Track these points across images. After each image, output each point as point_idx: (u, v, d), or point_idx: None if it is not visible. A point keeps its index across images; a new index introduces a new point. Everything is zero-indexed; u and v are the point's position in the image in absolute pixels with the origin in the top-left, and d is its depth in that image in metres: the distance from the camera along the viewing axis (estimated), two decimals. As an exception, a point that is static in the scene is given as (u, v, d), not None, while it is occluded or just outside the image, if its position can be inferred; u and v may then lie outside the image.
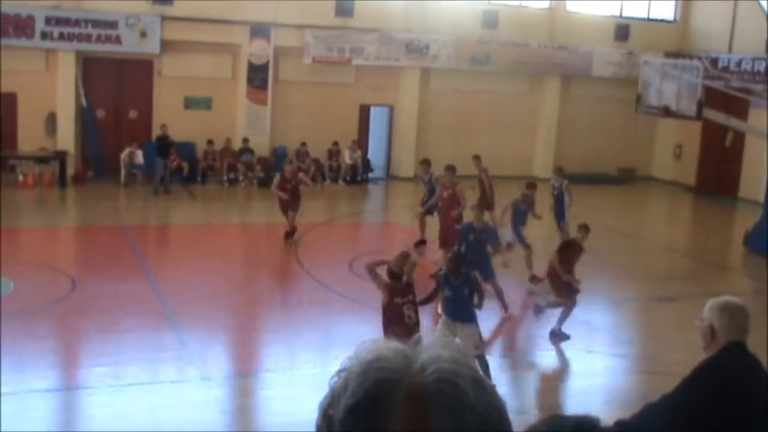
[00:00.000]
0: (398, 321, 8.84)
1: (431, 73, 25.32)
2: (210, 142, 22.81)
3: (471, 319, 9.64)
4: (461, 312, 9.66)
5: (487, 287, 11.77)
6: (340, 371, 1.32)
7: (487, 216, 14.80)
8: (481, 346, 9.60)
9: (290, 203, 16.37)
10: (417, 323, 8.97)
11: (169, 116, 22.11)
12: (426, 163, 17.11)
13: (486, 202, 16.17)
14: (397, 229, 18.85)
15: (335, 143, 24.03)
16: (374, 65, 24.29)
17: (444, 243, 14.29)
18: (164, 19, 21.79)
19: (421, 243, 16.16)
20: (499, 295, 12.71)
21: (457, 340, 9.10)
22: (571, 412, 1.42)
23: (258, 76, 23.28)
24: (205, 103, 23.39)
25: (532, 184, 14.74)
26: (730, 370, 4.07)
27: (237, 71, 23.42)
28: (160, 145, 20.92)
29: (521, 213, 14.55)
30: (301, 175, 17.33)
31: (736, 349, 4.09)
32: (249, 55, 23.08)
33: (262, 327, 12.24)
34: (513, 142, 26.23)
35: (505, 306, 12.74)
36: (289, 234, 16.32)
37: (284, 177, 16.65)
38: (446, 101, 25.53)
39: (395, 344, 1.37)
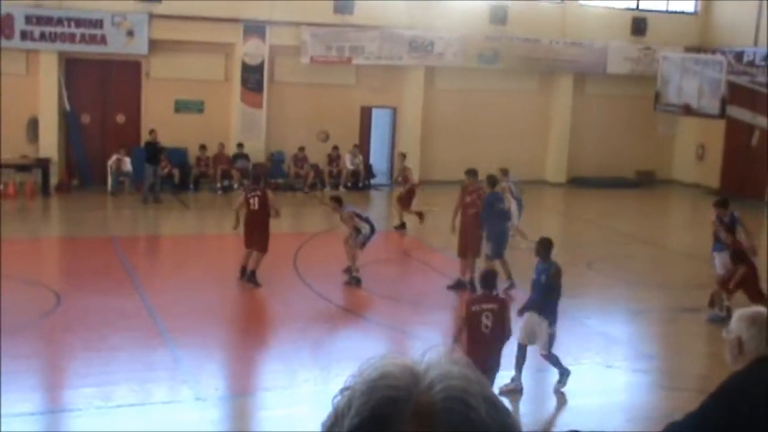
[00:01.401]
0: (474, 330, 9.05)
1: (436, 72, 25.34)
2: (202, 147, 22.83)
3: (546, 314, 10.11)
4: (538, 302, 10.23)
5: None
6: (343, 390, 1.31)
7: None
8: (548, 348, 10.05)
9: (252, 236, 14.07)
10: (494, 335, 9.14)
11: (159, 120, 22.14)
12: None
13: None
14: (400, 238, 18.83)
15: (335, 148, 24.05)
16: (376, 65, 24.32)
17: (465, 251, 14.22)
18: (152, 17, 21.84)
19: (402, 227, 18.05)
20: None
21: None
22: None
23: (252, 78, 23.31)
24: (197, 107, 23.42)
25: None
26: (760, 386, 4.04)
27: (230, 72, 23.45)
28: (149, 151, 20.94)
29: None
30: (270, 195, 14.33)
31: (765, 363, 4.06)
32: (243, 55, 23.12)
33: (259, 343, 12.23)
34: (523, 145, 26.23)
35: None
36: (246, 272, 14.16)
37: (245, 196, 14.27)
38: (452, 102, 25.54)
39: (401, 360, 1.37)
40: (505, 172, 17.27)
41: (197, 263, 15.79)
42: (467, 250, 14.27)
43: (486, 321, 9.08)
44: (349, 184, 24.17)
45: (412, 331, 12.62)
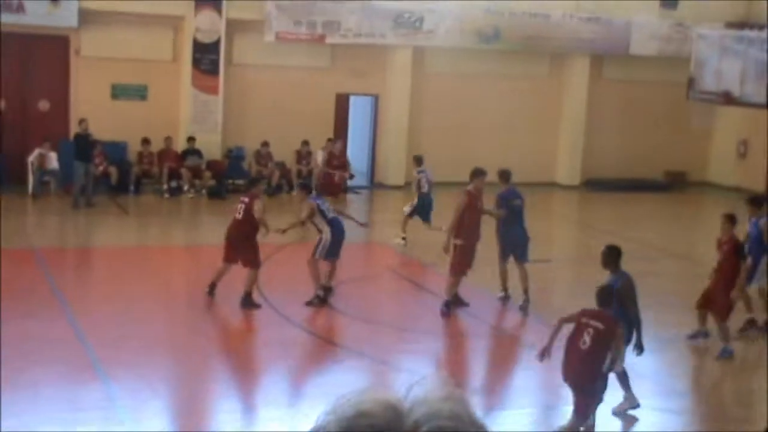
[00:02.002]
0: (572, 342, 9.78)
1: (426, 53, 25.40)
2: (145, 141, 22.77)
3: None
4: None
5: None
6: (314, 431, 1.30)
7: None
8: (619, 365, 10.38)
9: (232, 249, 14.39)
10: (591, 356, 9.67)
11: (92, 109, 22.06)
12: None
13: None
14: (382, 251, 18.83)
15: (305, 143, 24.05)
16: (354, 44, 24.34)
17: (460, 266, 14.20)
18: (84, -17, 21.83)
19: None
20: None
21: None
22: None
23: (206, 58, 23.29)
24: (139, 92, 23.36)
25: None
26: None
27: (179, 51, 23.42)
28: (80, 145, 20.87)
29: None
30: (257, 205, 14.37)
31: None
32: (195, 31, 23.09)
33: (213, 376, 12.18)
34: (529, 140, 26.32)
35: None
36: (214, 290, 14.50)
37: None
38: (445, 88, 25.60)
39: (382, 396, 1.35)
40: (419, 160, 18.92)
41: (138, 281, 15.71)
42: (468, 267, 14.26)
43: (586, 337, 9.66)
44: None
45: (397, 361, 12.61)
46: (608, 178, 26.99)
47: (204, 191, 22.93)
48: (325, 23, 23.83)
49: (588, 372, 9.75)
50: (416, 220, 18.72)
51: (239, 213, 14.27)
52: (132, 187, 22.62)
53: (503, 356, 13.53)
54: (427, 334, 13.75)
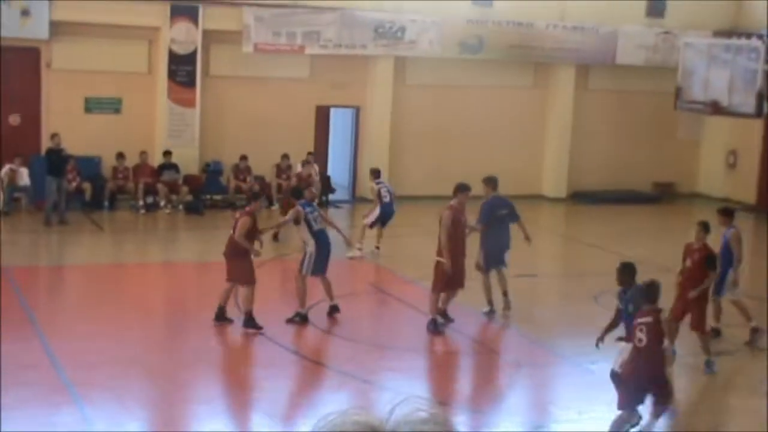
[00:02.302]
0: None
1: (408, 63, 25.43)
2: (120, 156, 22.70)
3: None
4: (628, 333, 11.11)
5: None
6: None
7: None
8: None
9: (229, 266, 14.25)
10: (649, 348, 10.48)
11: (64, 123, 21.99)
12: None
13: None
14: (363, 266, 18.80)
15: (285, 156, 24.01)
16: (334, 54, 24.36)
17: (453, 283, 14.25)
18: (56, -7, 21.79)
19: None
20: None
21: None
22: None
23: (182, 70, 23.25)
24: (113, 106, 23.30)
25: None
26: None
27: (154, 63, 23.38)
28: (52, 160, 20.79)
29: None
30: (243, 220, 14.08)
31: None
32: (170, 42, 23.07)
33: (192, 397, 12.12)
34: (515, 152, 26.36)
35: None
36: (223, 313, 14.35)
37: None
38: (428, 100, 25.62)
39: (364, 417, 1.35)
40: (376, 172, 19.53)
41: (114, 299, 15.64)
42: (455, 284, 14.27)
43: (640, 335, 10.47)
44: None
45: (380, 380, 12.58)
46: (596, 190, 27.05)
47: (181, 207, 22.86)
48: (305, 34, 23.85)
49: (657, 364, 10.63)
50: (397, 238, 18.70)
51: (233, 229, 14.13)
52: (106, 203, 22.52)
53: (488, 374, 13.51)
54: (410, 351, 13.73)
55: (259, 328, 13.84)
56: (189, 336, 14.26)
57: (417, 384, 12.82)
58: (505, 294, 15.11)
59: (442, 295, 14.30)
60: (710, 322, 14.21)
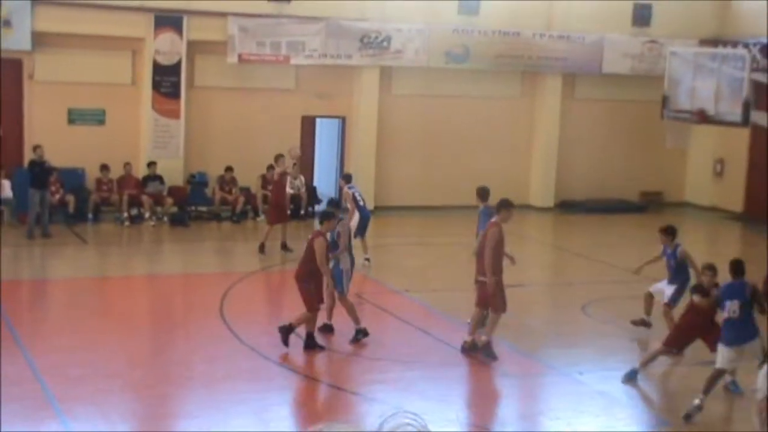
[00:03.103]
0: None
1: (394, 73, 25.45)
2: (104, 167, 22.64)
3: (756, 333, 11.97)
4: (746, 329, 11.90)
5: None
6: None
7: None
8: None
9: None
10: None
11: (47, 134, 21.93)
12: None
13: None
14: (353, 278, 18.75)
15: (271, 167, 23.95)
16: (320, 64, 24.36)
17: (503, 302, 14.00)
18: (36, 3, 21.68)
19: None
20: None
21: None
22: None
23: (167, 81, 23.22)
24: (96, 117, 23.24)
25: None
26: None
27: (139, 74, 23.34)
28: (35, 172, 20.72)
29: None
30: (317, 243, 13.64)
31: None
32: (154, 53, 23.03)
33: (177, 411, 12.07)
34: (501, 162, 26.39)
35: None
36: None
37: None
38: (414, 110, 25.65)
39: (353, 430, 1.32)
40: (348, 178, 19.49)
41: (97, 314, 15.57)
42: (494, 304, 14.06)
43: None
44: (288, 212, 24.04)
45: (368, 392, 12.54)
46: (583, 199, 27.09)
47: (166, 218, 22.80)
48: (290, 44, 23.85)
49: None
50: (384, 248, 18.69)
51: (305, 250, 13.79)
52: (90, 216, 22.45)
53: (477, 385, 13.48)
54: (399, 363, 13.69)
55: (321, 348, 13.71)
56: (174, 349, 14.19)
57: (406, 396, 12.78)
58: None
59: (494, 316, 14.02)
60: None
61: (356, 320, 14.26)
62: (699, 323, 12.66)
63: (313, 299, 13.65)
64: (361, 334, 14.20)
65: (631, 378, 12.98)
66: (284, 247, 20.20)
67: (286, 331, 13.58)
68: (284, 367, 13.09)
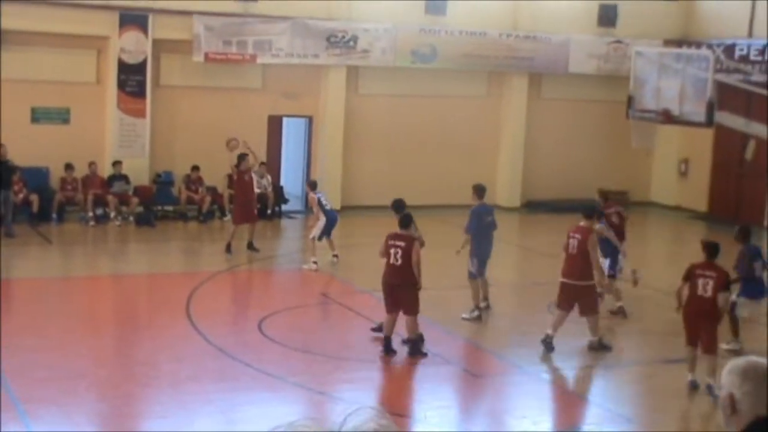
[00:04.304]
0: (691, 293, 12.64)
1: (360, 73, 25.46)
2: (68, 167, 22.50)
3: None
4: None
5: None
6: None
7: None
8: None
9: (394, 297, 13.90)
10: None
11: (10, 133, 21.73)
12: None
13: None
14: (317, 278, 18.78)
15: (236, 167, 23.90)
16: (286, 64, 24.33)
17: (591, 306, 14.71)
18: (0, 0, 21.52)
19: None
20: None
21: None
22: None
23: (132, 80, 23.11)
24: (61, 116, 23.09)
25: None
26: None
27: (103, 73, 23.21)
28: (-2, 171, 20.59)
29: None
30: (417, 248, 13.77)
31: (765, 426, 4.10)
32: (119, 52, 22.92)
33: (143, 411, 12.02)
34: (468, 162, 26.45)
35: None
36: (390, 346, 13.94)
37: (386, 243, 13.86)
38: (381, 109, 25.68)
39: (313, 429, 1.33)
40: (313, 184, 19.75)
41: (62, 314, 15.48)
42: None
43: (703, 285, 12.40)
44: (255, 212, 23.98)
45: (334, 391, 12.56)
46: (549, 199, 27.21)
47: (131, 218, 22.69)
48: (256, 43, 23.80)
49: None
50: (351, 248, 18.69)
51: (396, 258, 13.55)
52: (55, 215, 22.30)
53: (442, 384, 13.51)
54: (365, 362, 13.71)
55: (424, 355, 13.62)
56: (140, 350, 14.14)
57: (371, 395, 12.81)
58: (485, 299, 15.98)
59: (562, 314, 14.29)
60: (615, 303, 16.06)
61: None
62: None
63: (418, 302, 13.63)
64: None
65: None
66: (250, 246, 20.18)
67: (412, 348, 13.66)
68: (251, 367, 13.08)
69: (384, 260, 13.76)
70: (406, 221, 13.93)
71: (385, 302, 13.80)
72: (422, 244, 13.87)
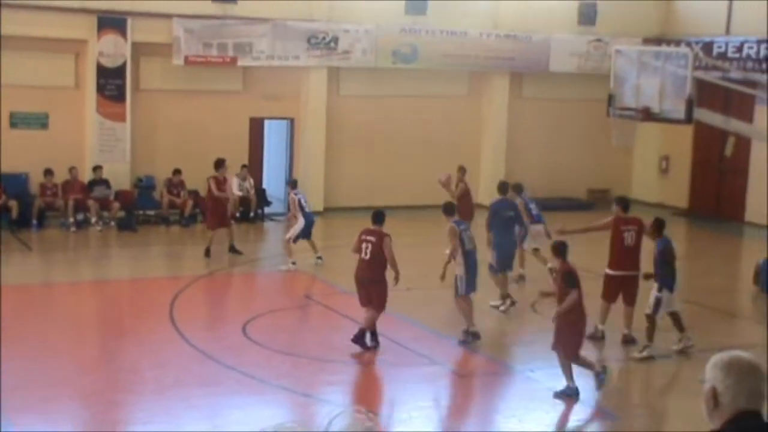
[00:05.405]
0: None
1: (341, 74, 25.47)
2: (48, 172, 22.42)
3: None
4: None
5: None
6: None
7: None
8: None
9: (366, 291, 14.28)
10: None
11: (-10, 139, 21.70)
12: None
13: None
14: (299, 279, 18.78)
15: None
16: (267, 66, 24.32)
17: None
18: (-24, 6, 21.48)
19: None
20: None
21: None
22: None
23: (112, 84, 23.05)
24: (39, 121, 23.02)
25: None
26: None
27: (82, 77, 23.15)
28: (-22, 178, 20.51)
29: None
30: (388, 243, 13.99)
31: (746, 419, 4.14)
32: (98, 55, 22.86)
33: (127, 418, 11.98)
34: (450, 161, 26.41)
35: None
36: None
37: (359, 238, 14.18)
38: (362, 111, 25.70)
39: (301, 430, 1.35)
40: (294, 183, 20.03)
41: (43, 321, 15.41)
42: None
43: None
44: (237, 214, 24.00)
45: (319, 394, 12.56)
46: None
47: (113, 223, 22.64)
48: (236, 45, 23.78)
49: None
50: (333, 249, 18.68)
51: (365, 253, 13.85)
52: (35, 221, 22.21)
53: (428, 384, 13.53)
54: (349, 363, 13.72)
55: (367, 347, 13.89)
56: (123, 355, 14.10)
57: (356, 396, 12.81)
58: (508, 296, 16.40)
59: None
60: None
61: (469, 322, 14.51)
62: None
63: (385, 299, 13.98)
64: (470, 336, 14.51)
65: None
66: (232, 249, 20.18)
67: (359, 339, 13.90)
68: (235, 370, 13.06)
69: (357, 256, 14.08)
70: (378, 217, 14.15)
71: (359, 296, 14.15)
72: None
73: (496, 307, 16.28)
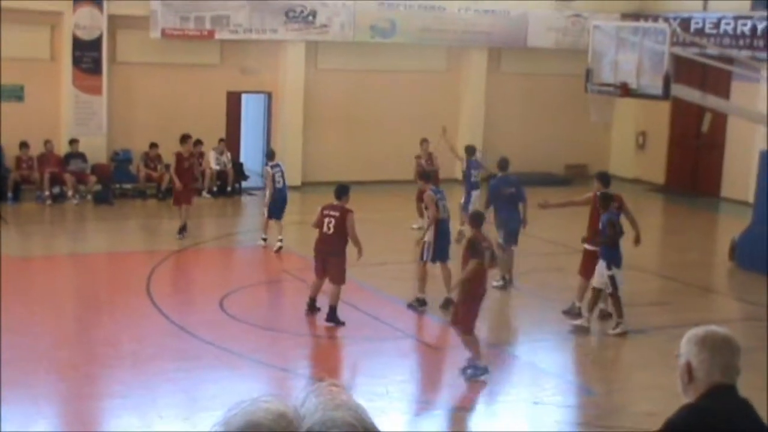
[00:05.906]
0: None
1: (320, 48, 25.39)
2: (23, 145, 22.29)
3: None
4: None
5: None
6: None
7: None
8: None
9: (324, 264, 14.38)
10: None
11: (-34, 112, 21.55)
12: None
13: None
14: (279, 255, 18.78)
15: (197, 143, 23.79)
16: (245, 39, 24.21)
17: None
18: (-51, -24, 21.27)
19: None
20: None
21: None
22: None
23: (88, 56, 22.91)
24: (14, 93, 22.84)
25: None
26: (712, 421, 4.17)
27: (58, 49, 22.99)
28: (-46, 151, 20.37)
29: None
30: (350, 219, 14.06)
31: (720, 393, 4.19)
32: (74, 28, 22.70)
33: (104, 391, 12.00)
34: (428, 136, 26.45)
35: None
36: (314, 305, 14.55)
37: (321, 212, 14.21)
38: (340, 85, 25.63)
39: (276, 405, 1.36)
40: (271, 155, 19.41)
41: (20, 294, 15.37)
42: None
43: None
44: (214, 189, 23.96)
45: (296, 368, 12.61)
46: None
47: (89, 197, 22.55)
48: (214, 18, 23.65)
49: None
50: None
51: (329, 227, 13.93)
52: (10, 195, 22.09)
53: (406, 359, 13.60)
54: (328, 339, 13.77)
55: (341, 323, 13.90)
56: (100, 329, 14.10)
57: (333, 371, 12.86)
58: (509, 271, 16.40)
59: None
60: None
61: (420, 288, 14.82)
62: None
63: (344, 272, 14.07)
64: (416, 302, 14.85)
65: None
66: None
67: (330, 315, 13.96)
68: (213, 345, 13.09)
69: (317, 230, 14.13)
70: (341, 192, 14.22)
71: (315, 268, 14.26)
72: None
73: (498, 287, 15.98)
